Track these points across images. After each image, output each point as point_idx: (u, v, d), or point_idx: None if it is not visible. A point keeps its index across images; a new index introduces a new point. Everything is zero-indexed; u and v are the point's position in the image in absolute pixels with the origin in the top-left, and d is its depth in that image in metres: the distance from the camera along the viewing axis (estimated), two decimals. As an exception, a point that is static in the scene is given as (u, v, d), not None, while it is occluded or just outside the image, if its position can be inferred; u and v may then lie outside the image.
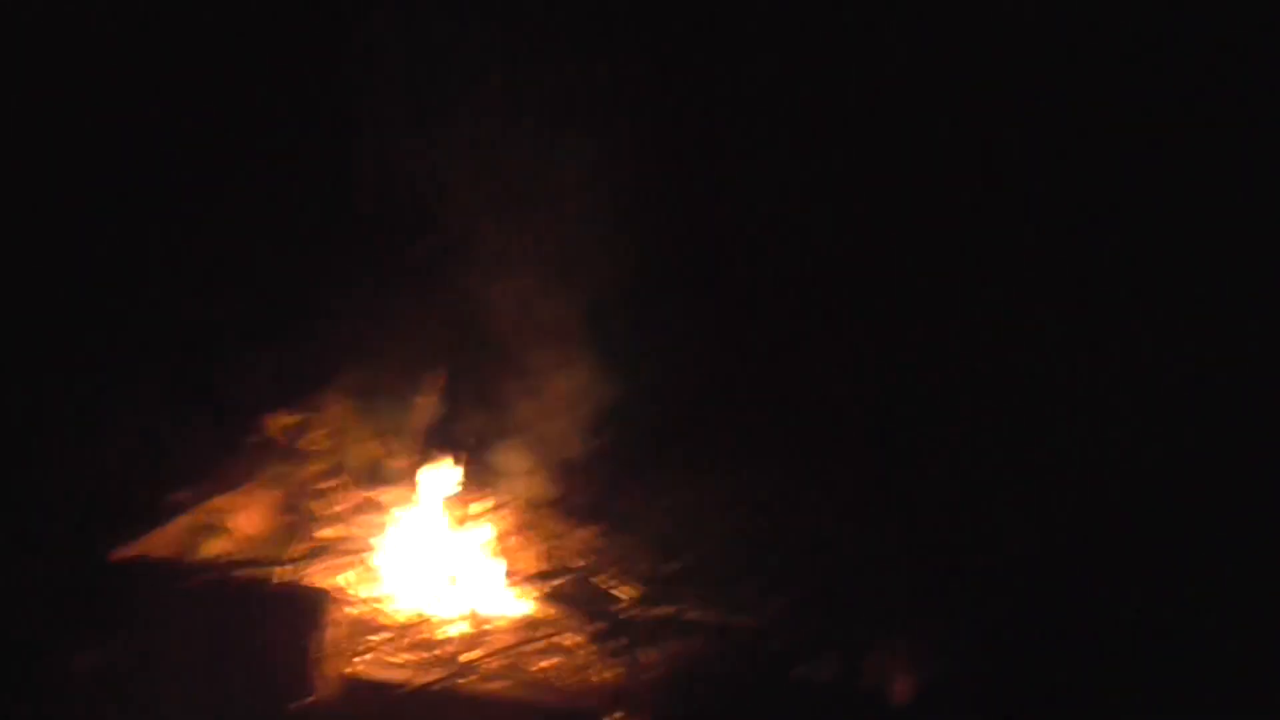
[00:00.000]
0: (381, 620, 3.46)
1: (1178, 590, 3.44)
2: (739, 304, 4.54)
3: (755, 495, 3.93)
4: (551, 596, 3.55)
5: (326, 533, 3.85)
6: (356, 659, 3.23)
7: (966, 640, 3.19)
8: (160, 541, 3.53)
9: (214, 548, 3.65)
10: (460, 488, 3.97)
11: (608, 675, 3.35)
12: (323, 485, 3.96)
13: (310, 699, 3.02)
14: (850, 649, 3.39)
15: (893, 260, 4.49)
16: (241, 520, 3.82)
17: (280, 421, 3.86)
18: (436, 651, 3.36)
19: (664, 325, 4.38)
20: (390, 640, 3.37)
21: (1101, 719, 3.13)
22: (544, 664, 3.35)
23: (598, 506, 3.98)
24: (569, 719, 3.07)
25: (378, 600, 3.52)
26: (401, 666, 3.27)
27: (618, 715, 3.26)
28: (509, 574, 3.61)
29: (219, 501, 3.74)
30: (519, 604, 3.61)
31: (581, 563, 3.77)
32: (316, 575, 3.65)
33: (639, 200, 4.11)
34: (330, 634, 3.13)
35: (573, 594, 3.63)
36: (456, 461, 3.98)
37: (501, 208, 4.12)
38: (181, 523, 3.62)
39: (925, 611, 3.34)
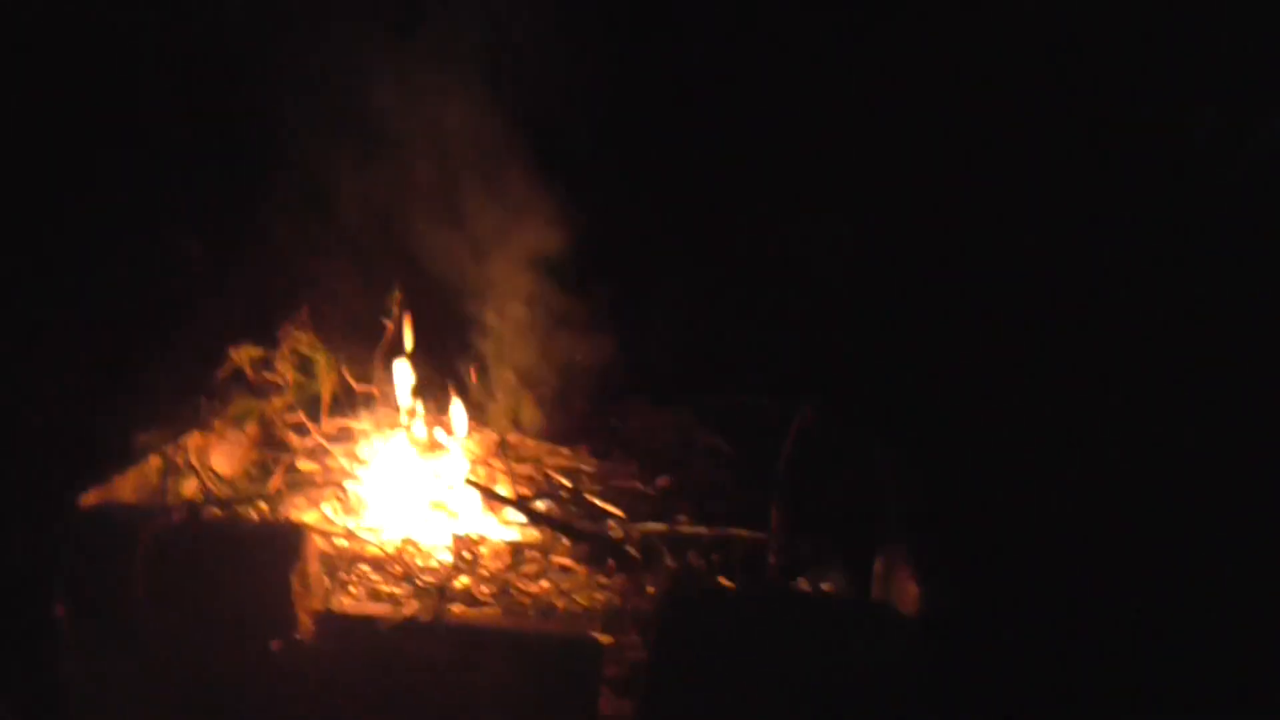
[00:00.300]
0: (364, 552, 3.34)
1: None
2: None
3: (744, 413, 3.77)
4: (540, 519, 3.42)
5: (303, 466, 3.72)
6: (339, 593, 3.11)
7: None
8: (130, 484, 3.38)
9: (187, 487, 3.52)
10: (439, 412, 3.84)
11: (602, 596, 3.26)
12: (297, 417, 3.80)
13: (292, 636, 2.89)
14: (857, 559, 3.31)
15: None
16: (213, 458, 3.68)
17: (246, 354, 3.69)
18: (422, 581, 3.25)
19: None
20: (374, 572, 3.25)
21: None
22: (535, 588, 3.24)
23: (581, 426, 3.84)
24: (563, 644, 2.94)
25: (360, 532, 3.39)
26: (387, 598, 3.16)
27: (615, 637, 3.17)
28: (494, 498, 3.46)
29: (188, 440, 3.59)
30: (506, 529, 3.49)
31: (569, 483, 3.64)
32: (295, 509, 3.53)
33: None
34: (311, 568, 3.00)
35: (562, 515, 3.51)
36: (434, 386, 3.85)
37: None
38: (151, 464, 3.48)
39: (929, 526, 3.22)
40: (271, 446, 3.80)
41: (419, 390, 3.81)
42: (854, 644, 2.81)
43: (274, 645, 2.85)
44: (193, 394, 3.67)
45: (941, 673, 2.64)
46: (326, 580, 3.11)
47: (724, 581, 3.29)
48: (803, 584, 3.37)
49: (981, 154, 4.24)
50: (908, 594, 2.96)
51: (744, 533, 3.34)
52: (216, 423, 3.70)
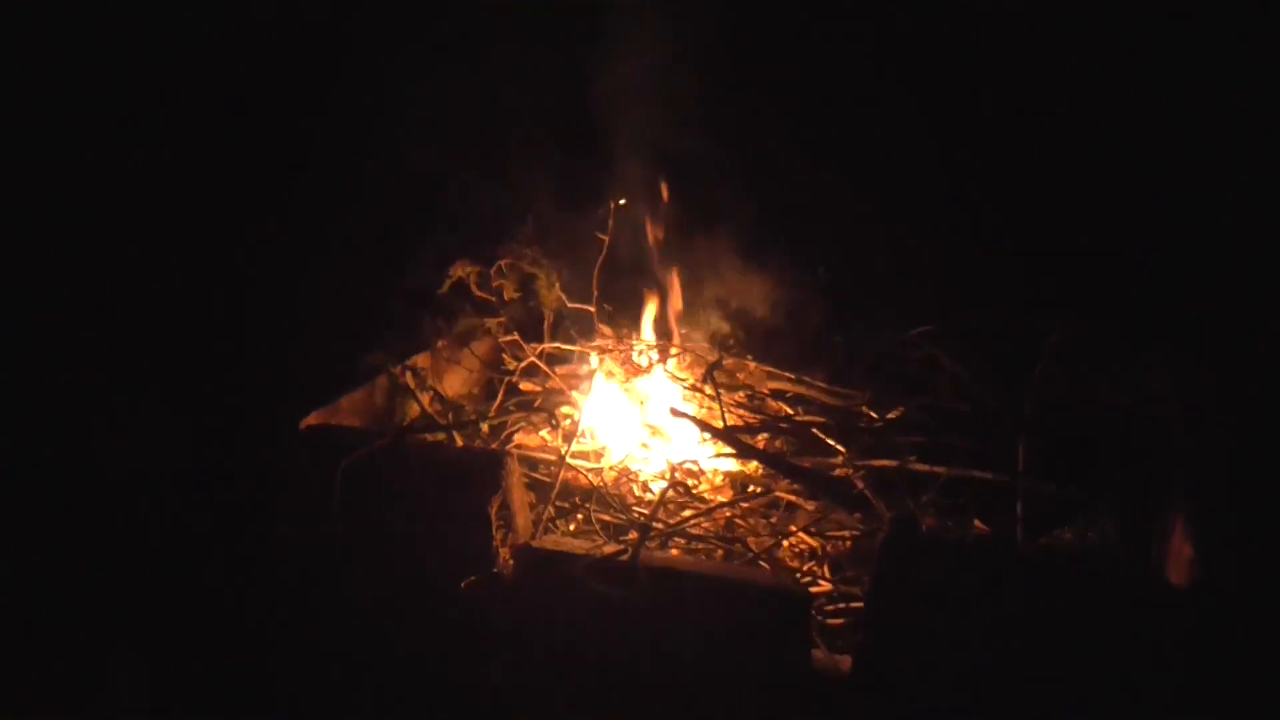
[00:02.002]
0: (580, 480, 3.19)
1: None
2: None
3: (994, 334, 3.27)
4: (760, 454, 3.13)
5: (525, 388, 3.61)
6: (551, 523, 2.98)
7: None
8: (357, 405, 3.38)
9: (410, 410, 3.49)
10: (663, 339, 3.61)
11: (829, 538, 2.96)
12: (518, 339, 3.67)
13: (489, 571, 2.78)
14: (1126, 511, 2.83)
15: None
16: (445, 379, 3.64)
17: (468, 270, 3.58)
18: (637, 513, 3.07)
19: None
20: (583, 504, 3.10)
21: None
22: (750, 524, 3.00)
23: (811, 355, 3.49)
24: (767, 594, 2.66)
25: (577, 459, 3.23)
26: (593, 533, 3.00)
27: (837, 585, 2.87)
28: (714, 431, 3.19)
29: (417, 361, 3.55)
30: (725, 463, 3.24)
31: (795, 414, 3.32)
32: (514, 434, 3.43)
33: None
34: (515, 499, 2.87)
35: (784, 451, 3.21)
36: (660, 311, 3.63)
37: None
38: (378, 384, 3.46)
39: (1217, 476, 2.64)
40: (499, 368, 3.70)
41: (640, 309, 3.62)
42: (1100, 613, 2.38)
43: (464, 584, 2.74)
44: (419, 314, 3.63)
45: (1206, 659, 2.16)
46: (537, 510, 2.98)
47: (957, 529, 2.91)
48: (1066, 535, 2.93)
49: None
50: (1180, 558, 2.48)
51: (986, 474, 2.91)
52: (443, 343, 3.65)
